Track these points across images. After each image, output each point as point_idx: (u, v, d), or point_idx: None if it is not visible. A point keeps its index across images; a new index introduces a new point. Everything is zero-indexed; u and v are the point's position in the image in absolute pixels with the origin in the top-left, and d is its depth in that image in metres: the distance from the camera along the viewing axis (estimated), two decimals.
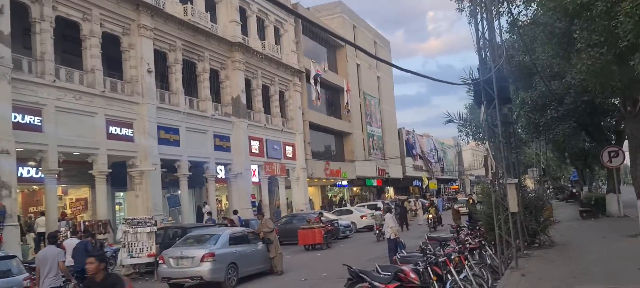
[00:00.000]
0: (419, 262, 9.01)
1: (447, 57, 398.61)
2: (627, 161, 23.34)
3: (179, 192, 26.27)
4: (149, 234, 15.72)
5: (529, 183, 40.04)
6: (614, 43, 13.05)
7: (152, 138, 23.55)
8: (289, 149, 35.49)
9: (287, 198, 35.38)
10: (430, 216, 27.11)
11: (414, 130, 56.30)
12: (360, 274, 8.35)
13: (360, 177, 44.48)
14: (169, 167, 25.19)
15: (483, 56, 12.08)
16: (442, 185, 52.98)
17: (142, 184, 23.17)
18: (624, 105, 14.80)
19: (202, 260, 12.94)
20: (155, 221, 17.70)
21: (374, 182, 47.26)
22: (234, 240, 14.39)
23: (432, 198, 40.84)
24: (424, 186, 50.08)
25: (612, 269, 10.73)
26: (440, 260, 9.11)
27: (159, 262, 13.88)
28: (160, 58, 25.44)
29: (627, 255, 11.73)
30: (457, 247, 10.30)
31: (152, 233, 15.82)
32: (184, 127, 26.15)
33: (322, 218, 23.22)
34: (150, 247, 15.66)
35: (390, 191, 49.91)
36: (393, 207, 21.67)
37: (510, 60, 22.88)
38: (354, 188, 46.79)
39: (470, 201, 26.78)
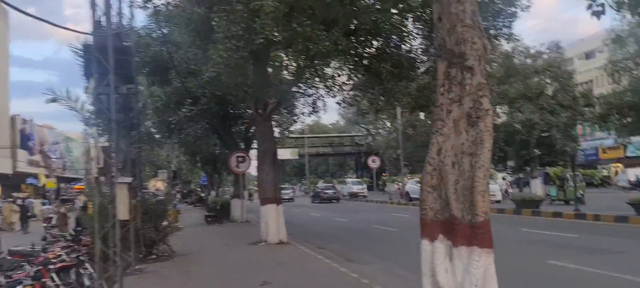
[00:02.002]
0: None
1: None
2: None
3: None
4: None
5: (161, 185, 38.94)
6: (252, 39, 12.24)
7: None
8: None
9: None
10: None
11: (32, 120, 48.13)
12: None
13: None
14: None
15: (98, 17, 9.15)
16: (63, 185, 46.72)
17: None
18: (256, 107, 14.27)
19: None
20: None
21: None
22: None
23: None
24: (41, 185, 42.88)
25: (233, 284, 9.39)
26: None
27: None
28: None
29: (247, 267, 10.68)
30: (32, 269, 7.12)
31: None
32: None
33: None
34: None
35: None
36: None
37: (147, 49, 20.66)
38: None
39: (90, 204, 22.99)
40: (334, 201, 42.99)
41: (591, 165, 57.89)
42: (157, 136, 24.90)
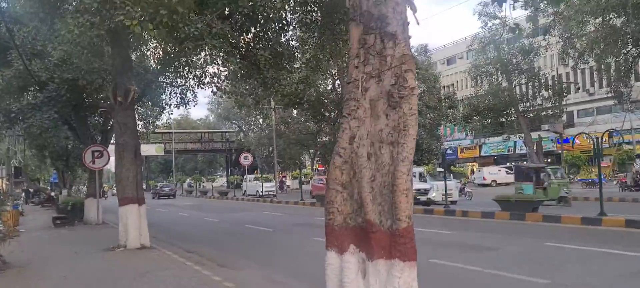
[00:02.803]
0: None
1: None
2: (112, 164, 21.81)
3: None
4: None
5: (1, 184, 33.97)
6: (110, 14, 10.51)
7: None
8: None
9: None
10: None
11: None
12: None
13: None
14: None
15: None
16: None
17: None
18: (115, 94, 12.44)
19: None
20: None
21: None
22: None
23: None
24: None
25: None
26: None
27: None
28: None
29: (99, 280, 9.03)
30: None
31: None
32: None
33: None
34: None
35: None
36: None
37: None
38: None
39: None
40: (171, 197, 50.20)
41: (451, 164, 62.46)
42: None
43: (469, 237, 13.72)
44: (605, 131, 26.31)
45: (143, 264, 10.40)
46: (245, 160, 38.79)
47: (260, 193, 39.70)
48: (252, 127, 74.68)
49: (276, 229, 17.65)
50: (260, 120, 65.76)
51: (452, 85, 60.43)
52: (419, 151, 40.15)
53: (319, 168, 49.83)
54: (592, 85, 45.23)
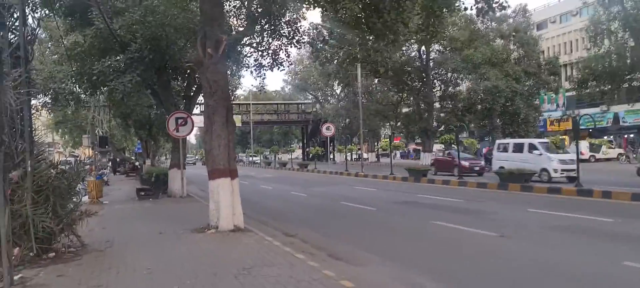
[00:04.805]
0: None
1: None
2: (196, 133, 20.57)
3: None
4: None
5: (90, 153, 34.07)
6: None
7: None
8: None
9: None
10: None
11: None
12: None
13: None
14: None
15: None
16: None
17: None
18: (203, 45, 10.49)
19: None
20: None
21: None
22: None
23: None
24: None
25: None
26: None
27: None
28: None
29: (194, 276, 7.11)
30: None
31: None
32: None
33: None
34: None
35: None
36: None
37: None
38: None
39: None
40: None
41: (539, 137, 57.37)
42: (76, 90, 20.46)
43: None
44: None
45: (242, 254, 8.45)
46: (328, 130, 36.74)
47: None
48: (329, 97, 72.73)
49: (379, 208, 15.38)
50: (338, 90, 63.58)
51: (558, 45, 54.78)
52: (515, 122, 36.31)
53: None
54: None
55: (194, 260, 8.08)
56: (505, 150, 24.60)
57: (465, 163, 26.21)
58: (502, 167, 21.97)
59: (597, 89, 26.53)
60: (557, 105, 54.67)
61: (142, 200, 18.45)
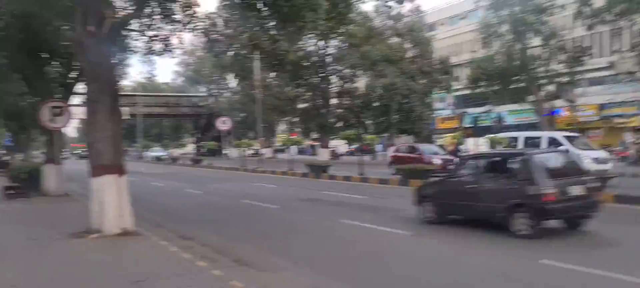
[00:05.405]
0: None
1: None
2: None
3: None
4: None
5: None
6: None
7: None
8: None
9: None
10: None
11: None
12: None
13: None
14: None
15: None
16: None
17: None
18: (84, 23, 8.99)
19: None
20: None
21: None
22: None
23: None
24: None
25: None
26: None
27: None
28: None
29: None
30: None
31: None
32: None
33: None
34: None
35: None
36: None
37: None
38: None
39: None
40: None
41: (431, 135, 60.01)
42: None
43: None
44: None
45: (133, 263, 7.26)
46: (224, 124, 35.29)
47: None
48: (224, 91, 70.63)
49: (283, 206, 14.59)
50: (234, 83, 61.84)
51: (448, 47, 57.43)
52: (410, 120, 37.39)
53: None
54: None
55: (72, 271, 6.77)
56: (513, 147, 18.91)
57: (438, 161, 22.17)
58: None
59: (490, 89, 27.96)
60: (447, 104, 57.66)
61: (11, 199, 16.06)
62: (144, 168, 41.01)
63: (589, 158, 15.86)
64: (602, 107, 45.16)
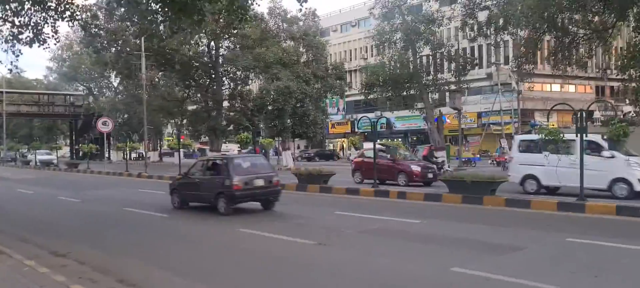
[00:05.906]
0: None
1: None
2: None
3: None
4: None
5: None
6: None
7: None
8: None
9: None
10: None
11: None
12: None
13: None
14: None
15: None
16: None
17: None
18: None
19: None
20: None
21: None
22: None
23: None
24: None
25: None
26: None
27: None
28: None
29: None
30: None
31: None
32: None
33: None
34: None
35: None
36: None
37: None
38: None
39: None
40: None
41: (324, 140, 60.59)
42: None
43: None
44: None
45: None
46: (105, 126, 32.53)
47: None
48: (105, 90, 65.86)
49: (171, 214, 13.36)
50: (116, 82, 57.83)
51: (340, 53, 58.47)
52: (304, 124, 37.22)
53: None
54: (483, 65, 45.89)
55: None
56: (532, 149, 15.98)
57: (417, 169, 19.44)
58: (531, 175, 15.45)
59: (383, 94, 28.53)
60: (338, 109, 58.64)
61: None
62: (9, 173, 36.71)
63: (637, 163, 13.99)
64: (480, 115, 48.69)
